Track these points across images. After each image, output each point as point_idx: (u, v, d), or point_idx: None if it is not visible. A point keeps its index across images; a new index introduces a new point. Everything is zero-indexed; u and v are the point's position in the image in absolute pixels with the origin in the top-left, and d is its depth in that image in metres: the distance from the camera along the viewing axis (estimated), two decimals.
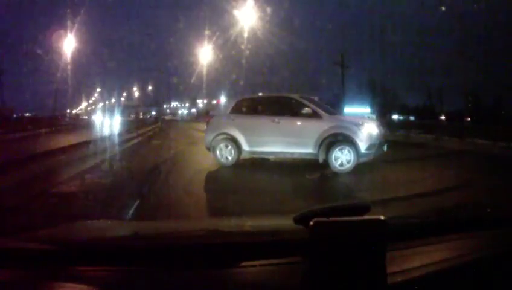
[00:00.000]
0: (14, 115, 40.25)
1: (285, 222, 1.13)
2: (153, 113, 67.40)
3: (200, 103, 58.21)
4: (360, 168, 7.04)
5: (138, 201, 4.50)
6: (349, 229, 0.93)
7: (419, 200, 4.62)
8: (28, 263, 1.07)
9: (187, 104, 68.33)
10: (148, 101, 67.61)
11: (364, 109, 32.92)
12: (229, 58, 29.90)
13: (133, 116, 55.42)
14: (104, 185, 5.89)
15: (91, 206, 4.45)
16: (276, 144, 7.63)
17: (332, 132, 7.27)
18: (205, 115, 31.80)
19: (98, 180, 6.23)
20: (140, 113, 62.74)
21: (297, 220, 1.00)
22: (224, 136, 7.88)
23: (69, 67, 28.11)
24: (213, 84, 39.69)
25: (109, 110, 51.68)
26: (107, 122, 32.08)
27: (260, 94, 10.34)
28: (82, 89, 60.34)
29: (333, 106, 13.30)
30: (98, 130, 22.53)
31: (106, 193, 5.22)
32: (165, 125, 29.86)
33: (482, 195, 4.87)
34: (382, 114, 34.31)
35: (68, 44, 26.49)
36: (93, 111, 66.91)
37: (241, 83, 27.03)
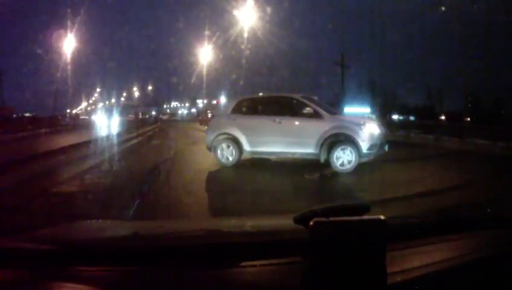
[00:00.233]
0: (14, 115, 40.24)
1: (285, 222, 1.13)
2: (153, 113, 67.41)
3: (200, 103, 58.18)
4: (361, 168, 7.05)
5: (138, 201, 4.51)
6: (349, 229, 0.93)
7: (419, 200, 4.63)
8: (28, 263, 1.07)
9: (187, 104, 68.42)
10: (148, 101, 67.64)
11: (364, 109, 32.88)
12: (229, 58, 29.94)
13: (132, 116, 55.35)
14: (104, 185, 5.90)
15: (91, 206, 4.45)
16: (277, 144, 7.64)
17: (334, 132, 7.28)
18: (204, 115, 31.89)
19: (98, 180, 6.23)
20: (140, 113, 62.70)
21: (297, 220, 1.00)
22: (226, 136, 7.88)
23: (69, 67, 28.15)
24: (213, 84, 39.65)
25: (109, 110, 51.86)
26: (107, 122, 32.07)
27: (261, 94, 10.36)
28: (82, 89, 60.67)
29: (333, 106, 13.34)
30: (98, 130, 22.52)
31: (106, 193, 5.23)
32: (164, 125, 29.85)
33: (482, 195, 4.86)
34: (382, 114, 34.24)
35: (68, 44, 26.56)
36: (93, 111, 67.10)
37: (241, 83, 27.06)
